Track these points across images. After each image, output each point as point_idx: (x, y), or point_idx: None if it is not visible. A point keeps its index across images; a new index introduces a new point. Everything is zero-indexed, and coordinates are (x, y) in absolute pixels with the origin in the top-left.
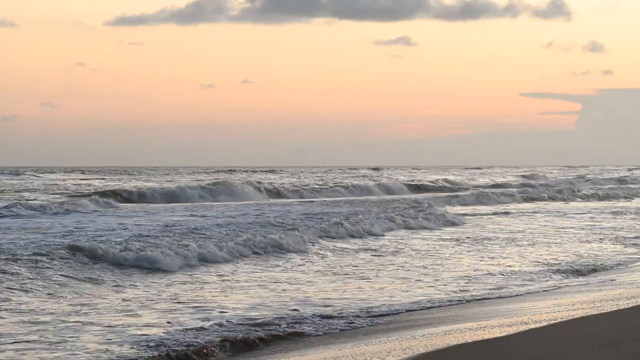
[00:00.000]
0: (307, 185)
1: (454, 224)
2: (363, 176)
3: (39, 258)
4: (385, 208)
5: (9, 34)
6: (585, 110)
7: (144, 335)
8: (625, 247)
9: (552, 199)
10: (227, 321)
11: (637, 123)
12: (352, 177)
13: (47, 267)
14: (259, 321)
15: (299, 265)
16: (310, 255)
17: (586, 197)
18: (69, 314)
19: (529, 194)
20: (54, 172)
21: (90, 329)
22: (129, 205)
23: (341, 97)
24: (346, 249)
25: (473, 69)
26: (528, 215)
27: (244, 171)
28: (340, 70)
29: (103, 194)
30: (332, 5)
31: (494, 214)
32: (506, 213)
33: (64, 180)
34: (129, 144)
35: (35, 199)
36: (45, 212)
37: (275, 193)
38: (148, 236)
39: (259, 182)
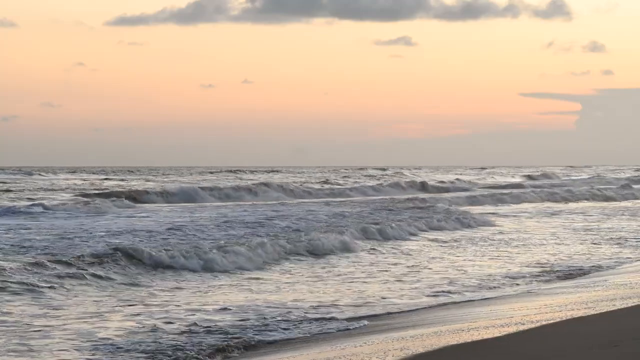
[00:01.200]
0: (310, 185)
1: (469, 226)
2: (371, 176)
3: (93, 260)
4: (399, 209)
5: (9, 34)
6: (585, 110)
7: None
8: (623, 247)
9: (566, 199)
10: (219, 324)
11: (637, 123)
12: (360, 177)
13: (106, 271)
14: (250, 323)
15: (296, 266)
16: (316, 257)
17: (603, 198)
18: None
19: (547, 195)
20: (56, 173)
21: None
22: (150, 205)
23: (341, 97)
24: (349, 248)
25: (473, 69)
26: (544, 216)
27: (249, 171)
28: (340, 70)
29: (121, 194)
30: (332, 5)
31: (505, 214)
32: (520, 213)
33: (69, 180)
34: (129, 144)
35: (47, 199)
36: (73, 213)
37: (291, 193)
38: (182, 238)
39: (282, 183)
